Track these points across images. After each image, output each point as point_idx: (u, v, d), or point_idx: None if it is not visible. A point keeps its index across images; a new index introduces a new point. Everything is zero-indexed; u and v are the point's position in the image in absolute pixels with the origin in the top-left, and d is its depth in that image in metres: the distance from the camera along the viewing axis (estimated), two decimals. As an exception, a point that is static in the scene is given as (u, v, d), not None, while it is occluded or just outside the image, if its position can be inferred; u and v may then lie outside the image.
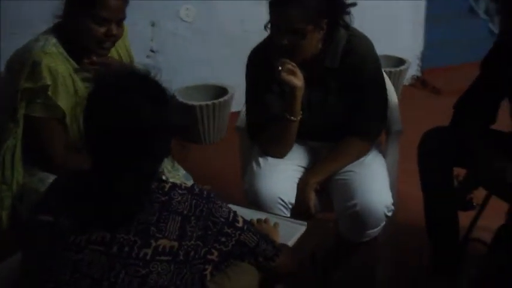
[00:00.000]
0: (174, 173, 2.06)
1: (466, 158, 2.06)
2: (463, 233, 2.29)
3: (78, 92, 1.87)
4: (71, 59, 1.86)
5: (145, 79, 1.26)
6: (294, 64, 1.91)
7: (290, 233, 1.72)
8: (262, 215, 1.78)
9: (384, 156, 2.18)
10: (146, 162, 1.21)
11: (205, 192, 1.29)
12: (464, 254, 2.28)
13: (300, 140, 2.13)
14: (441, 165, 2.10)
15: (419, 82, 4.52)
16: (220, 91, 3.60)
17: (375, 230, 1.99)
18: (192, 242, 1.22)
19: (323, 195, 2.08)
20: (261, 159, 2.06)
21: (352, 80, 1.99)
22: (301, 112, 1.98)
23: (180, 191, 1.25)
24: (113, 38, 1.86)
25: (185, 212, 1.23)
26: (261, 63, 2.03)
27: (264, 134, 2.06)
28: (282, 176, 2.02)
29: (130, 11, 1.88)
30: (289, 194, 2.00)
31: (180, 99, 3.46)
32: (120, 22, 1.85)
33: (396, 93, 2.30)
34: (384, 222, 1.98)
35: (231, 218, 1.30)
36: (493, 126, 2.13)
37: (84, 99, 1.80)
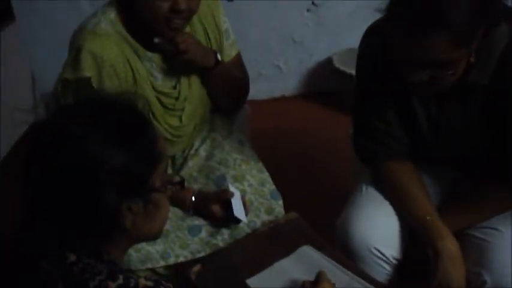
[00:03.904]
0: (259, 188, 1.64)
1: None
2: None
3: (138, 81, 1.51)
4: (132, 39, 1.49)
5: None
6: None
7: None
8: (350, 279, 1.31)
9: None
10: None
11: None
12: None
13: (425, 167, 1.54)
14: None
15: None
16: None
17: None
18: None
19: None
20: (367, 189, 1.53)
21: (507, 99, 1.32)
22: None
23: None
24: (183, 15, 1.44)
25: None
26: (381, 53, 1.41)
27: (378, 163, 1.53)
28: (389, 218, 1.48)
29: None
30: (395, 245, 1.46)
31: (337, 65, 2.94)
32: None
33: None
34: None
35: None
36: None
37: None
